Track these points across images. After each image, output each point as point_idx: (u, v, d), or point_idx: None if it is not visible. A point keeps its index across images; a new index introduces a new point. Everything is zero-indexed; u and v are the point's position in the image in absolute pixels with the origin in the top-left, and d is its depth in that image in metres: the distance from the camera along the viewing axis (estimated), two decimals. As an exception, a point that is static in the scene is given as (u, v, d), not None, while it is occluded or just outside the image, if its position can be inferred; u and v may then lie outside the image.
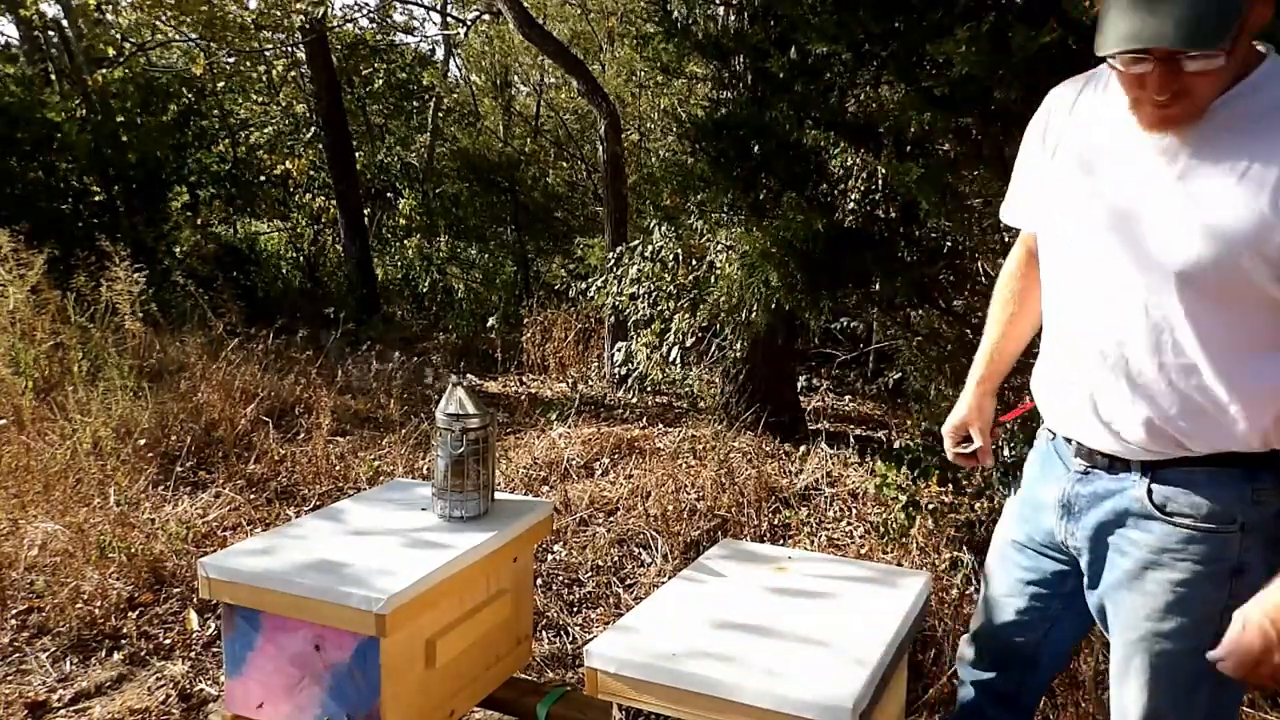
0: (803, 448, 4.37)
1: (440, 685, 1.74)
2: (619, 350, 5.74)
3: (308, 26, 8.29)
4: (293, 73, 11.29)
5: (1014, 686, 1.58)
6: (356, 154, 10.21)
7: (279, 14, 8.32)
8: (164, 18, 8.83)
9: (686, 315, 5.06)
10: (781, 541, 3.40)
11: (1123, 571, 1.33)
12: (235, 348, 5.06)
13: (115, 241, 5.01)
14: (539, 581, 3.09)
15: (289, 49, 10.10)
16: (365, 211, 10.30)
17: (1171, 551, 1.28)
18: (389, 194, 11.48)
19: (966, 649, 1.64)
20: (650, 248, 5.38)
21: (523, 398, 5.85)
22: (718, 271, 4.62)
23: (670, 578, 2.24)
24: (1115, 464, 1.33)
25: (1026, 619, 1.52)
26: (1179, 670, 1.29)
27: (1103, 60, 1.20)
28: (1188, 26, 1.07)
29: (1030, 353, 1.60)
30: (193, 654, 2.65)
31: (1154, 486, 1.29)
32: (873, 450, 4.23)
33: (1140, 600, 1.31)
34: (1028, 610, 1.51)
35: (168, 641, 2.70)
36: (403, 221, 10.99)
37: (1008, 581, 1.54)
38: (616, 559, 3.27)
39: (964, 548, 2.94)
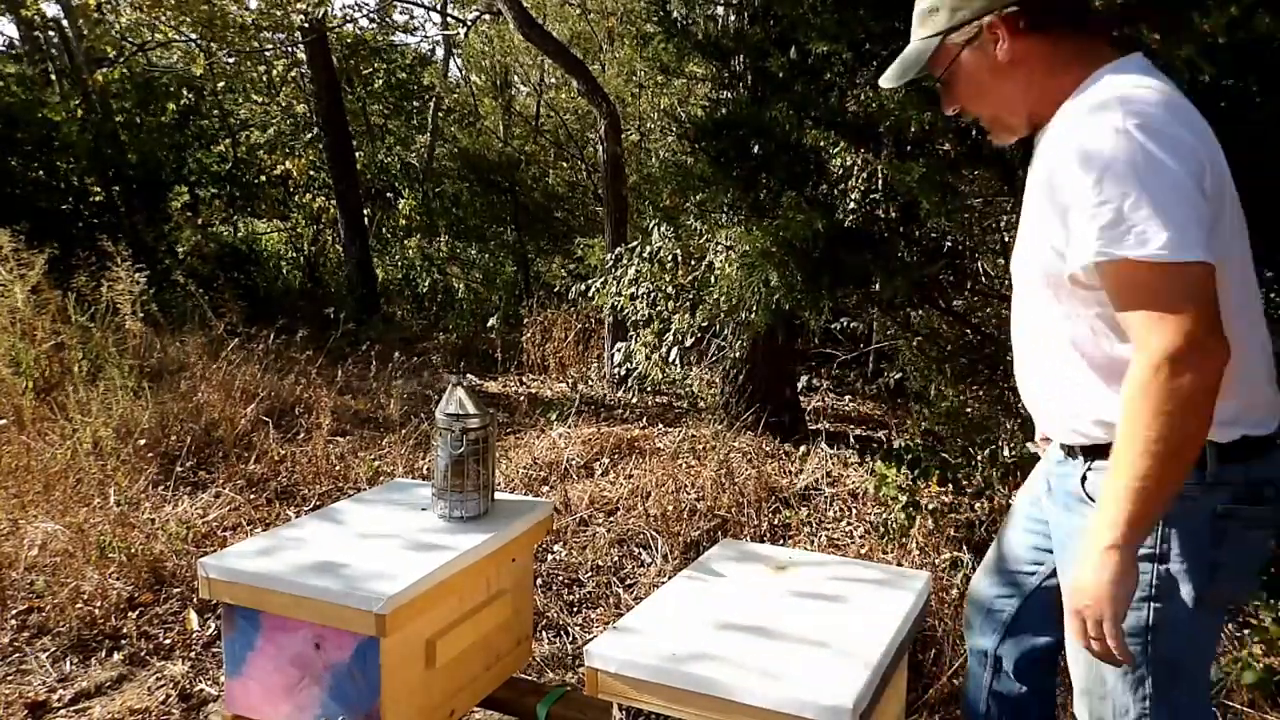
0: (803, 448, 4.37)
1: (440, 685, 1.74)
2: (619, 350, 5.74)
3: (307, 26, 8.29)
4: (293, 73, 11.29)
5: (995, 640, 1.63)
6: (356, 154, 10.21)
7: (279, 14, 8.32)
8: (164, 18, 8.83)
9: (686, 315, 5.06)
10: (781, 541, 3.40)
11: (1062, 552, 1.41)
12: (235, 348, 5.06)
13: (116, 241, 5.02)
14: (539, 581, 3.09)
15: (289, 49, 10.10)
16: (365, 211, 10.30)
17: None
18: (389, 194, 11.48)
19: (967, 609, 1.69)
20: (649, 248, 5.38)
21: (523, 398, 5.85)
22: (717, 272, 4.62)
23: (670, 578, 2.24)
24: (1066, 450, 1.39)
25: (1017, 570, 1.60)
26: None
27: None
28: (887, 74, 1.41)
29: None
30: (193, 654, 2.65)
31: (1088, 474, 1.34)
32: (873, 450, 4.23)
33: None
34: (1024, 561, 1.59)
35: (168, 641, 2.70)
36: (403, 221, 10.99)
37: (1012, 535, 1.63)
38: (616, 559, 3.27)
39: (964, 548, 2.94)
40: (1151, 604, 1.28)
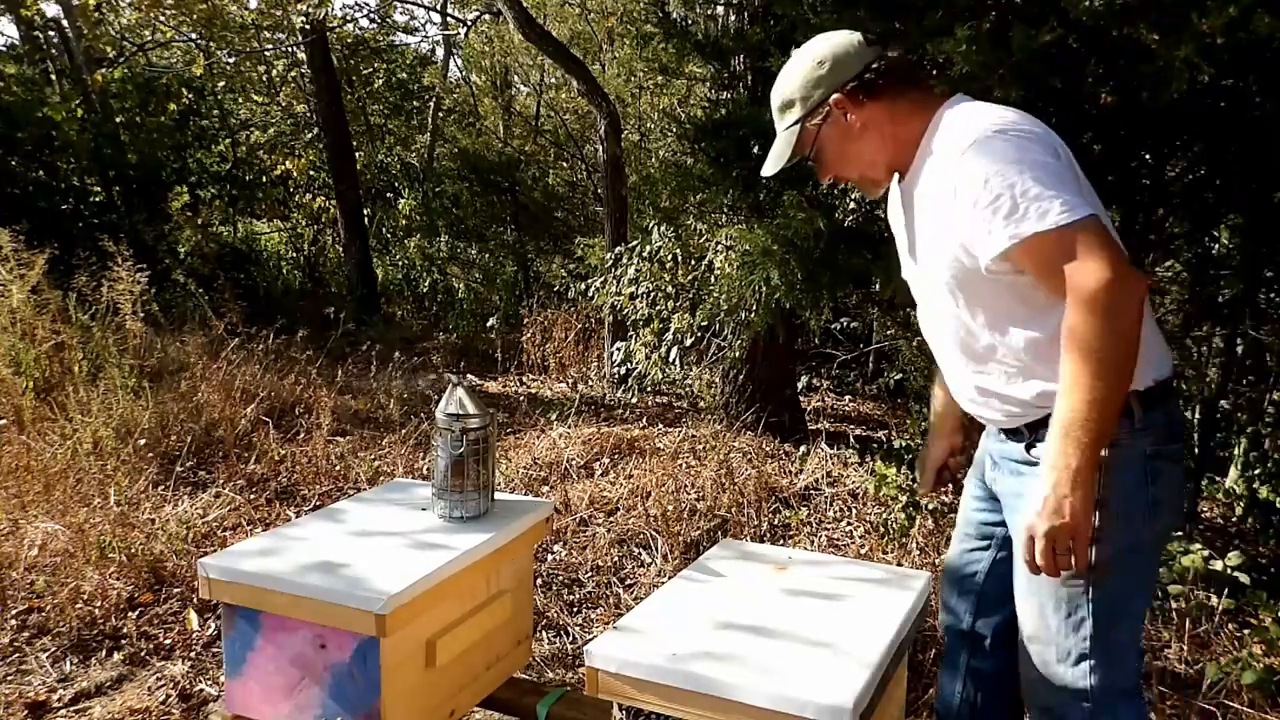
0: (803, 448, 4.37)
1: (440, 685, 1.74)
2: (619, 350, 5.74)
3: (308, 27, 8.29)
4: (293, 73, 11.29)
5: (970, 618, 1.72)
6: (356, 154, 10.21)
7: (279, 14, 8.32)
8: (164, 18, 8.83)
9: (685, 315, 5.06)
10: (781, 541, 3.40)
11: (1012, 514, 1.56)
12: (235, 348, 5.06)
13: (118, 242, 5.02)
14: (539, 581, 3.09)
15: (289, 49, 10.10)
16: (365, 211, 10.29)
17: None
18: (389, 194, 11.48)
19: (941, 595, 1.79)
20: (649, 248, 5.38)
21: (523, 398, 5.85)
22: (717, 271, 4.62)
23: (670, 578, 2.24)
24: (1011, 432, 1.56)
25: (974, 547, 1.72)
26: (1060, 594, 1.46)
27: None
28: (771, 161, 1.65)
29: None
30: (193, 654, 2.65)
31: (1035, 443, 1.49)
32: (873, 450, 4.23)
33: None
34: (976, 538, 1.71)
35: (168, 641, 2.70)
36: (403, 221, 10.98)
37: (964, 515, 1.75)
38: (616, 559, 3.27)
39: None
40: (1094, 546, 1.39)
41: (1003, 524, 1.63)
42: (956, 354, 1.56)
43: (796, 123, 1.59)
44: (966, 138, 1.40)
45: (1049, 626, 1.48)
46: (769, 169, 1.64)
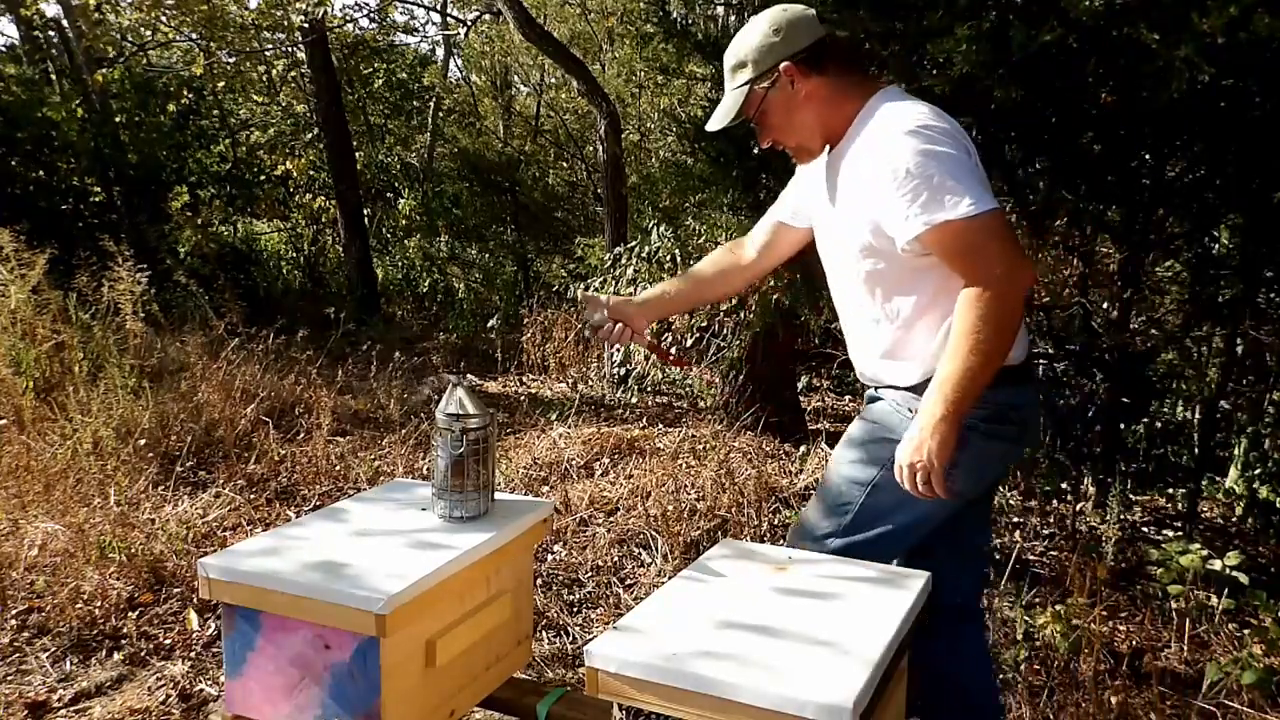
0: (803, 448, 4.37)
1: (440, 685, 1.74)
2: (618, 350, 5.74)
3: (307, 27, 8.28)
4: (293, 73, 11.29)
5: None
6: (356, 154, 10.20)
7: (279, 14, 8.31)
8: (164, 17, 8.82)
9: (685, 315, 5.05)
10: (781, 541, 3.39)
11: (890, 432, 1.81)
12: (235, 348, 5.06)
13: (119, 242, 5.02)
14: (539, 581, 3.09)
15: (289, 49, 10.10)
16: (365, 211, 10.29)
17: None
18: (389, 194, 11.48)
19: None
20: (649, 248, 5.38)
21: (523, 398, 5.85)
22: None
23: (670, 578, 2.24)
24: (903, 388, 1.79)
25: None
26: (841, 486, 1.81)
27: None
28: (711, 119, 1.77)
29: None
30: (193, 654, 2.65)
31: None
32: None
33: None
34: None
35: (168, 641, 2.70)
36: (403, 221, 10.98)
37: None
38: (616, 559, 3.27)
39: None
40: (880, 469, 1.73)
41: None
42: (858, 316, 1.79)
43: (746, 84, 1.70)
44: (894, 129, 1.56)
45: (823, 499, 1.82)
46: (714, 124, 1.76)
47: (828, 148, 1.75)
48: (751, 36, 1.71)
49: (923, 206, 1.52)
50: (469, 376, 1.88)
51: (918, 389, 1.70)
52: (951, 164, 1.51)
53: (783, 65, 1.67)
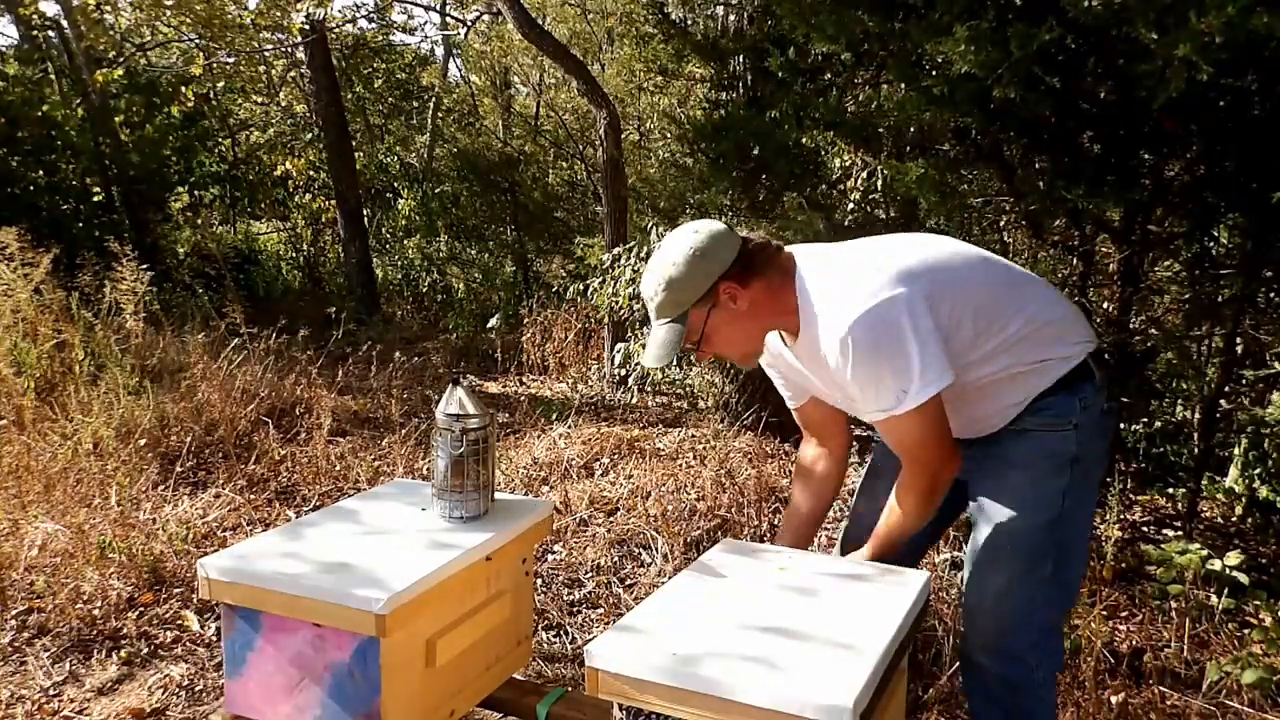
0: (803, 447, 4.36)
1: (440, 685, 1.74)
2: (619, 351, 5.74)
3: (307, 27, 8.28)
4: (293, 73, 11.28)
5: None
6: (356, 154, 10.20)
7: (279, 14, 8.31)
8: (164, 18, 8.82)
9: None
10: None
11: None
12: (236, 348, 5.06)
13: (122, 242, 5.02)
14: (539, 581, 3.09)
15: (289, 49, 10.09)
16: (365, 211, 10.29)
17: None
18: (389, 194, 11.48)
19: None
20: (647, 249, 5.38)
21: (523, 398, 5.85)
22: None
23: (670, 578, 2.24)
24: None
25: None
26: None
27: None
28: (649, 356, 1.71)
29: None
30: (193, 654, 2.65)
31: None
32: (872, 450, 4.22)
33: None
34: None
35: (168, 641, 2.70)
36: (402, 221, 10.98)
37: None
38: (616, 559, 3.27)
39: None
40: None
41: None
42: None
43: (684, 311, 1.66)
44: (837, 328, 1.58)
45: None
46: (653, 361, 1.69)
47: (782, 337, 1.78)
48: (672, 266, 1.65)
49: (875, 400, 1.60)
50: (469, 376, 1.88)
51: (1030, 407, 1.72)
52: (894, 355, 1.55)
53: (721, 285, 1.64)
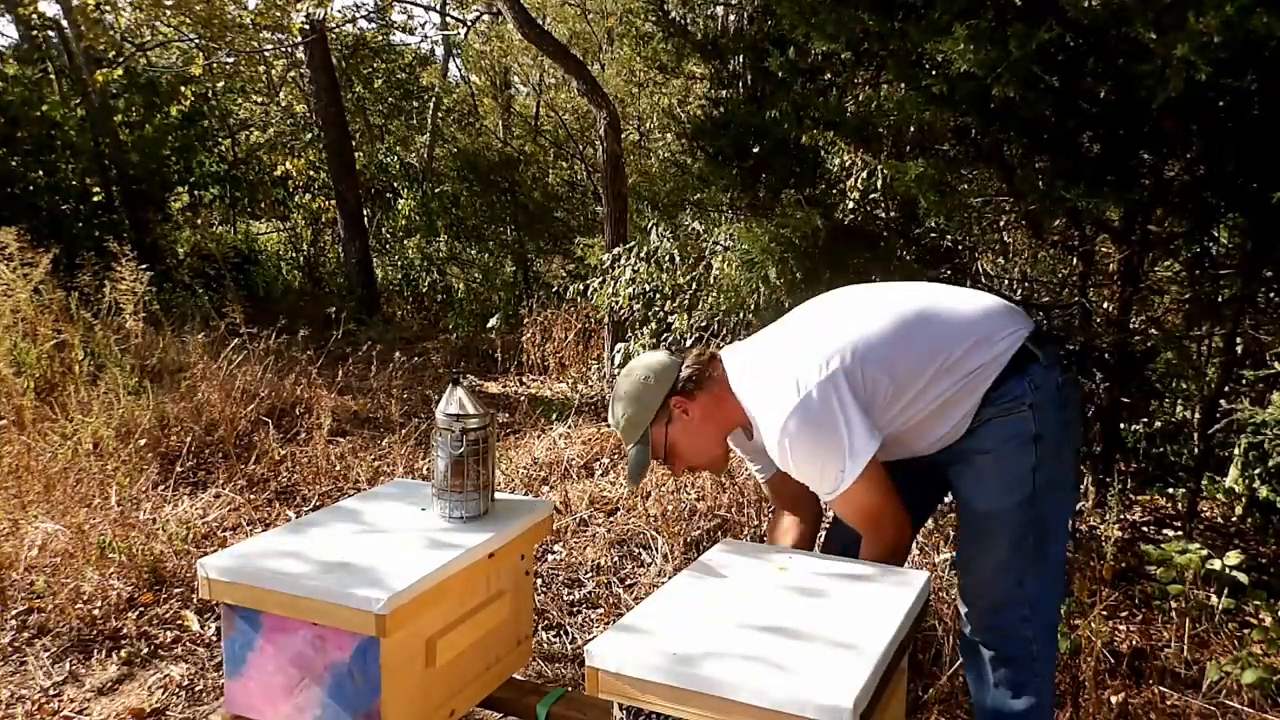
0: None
1: (440, 685, 1.74)
2: (618, 351, 5.73)
3: (307, 27, 8.27)
4: (292, 73, 11.28)
5: None
6: (356, 154, 10.19)
7: (279, 14, 8.30)
8: (164, 18, 8.81)
9: (684, 315, 5.05)
10: (781, 541, 3.39)
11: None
12: (235, 348, 5.06)
13: (121, 242, 5.02)
14: (539, 581, 3.09)
15: (288, 49, 10.09)
16: (365, 211, 10.28)
17: None
18: (389, 194, 11.47)
19: None
20: (647, 248, 5.38)
21: (523, 398, 5.85)
22: (715, 272, 4.62)
23: (670, 578, 2.24)
24: None
25: None
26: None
27: None
28: (629, 475, 1.96)
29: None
30: (193, 654, 2.65)
31: None
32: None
33: None
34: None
35: (168, 641, 2.70)
36: (402, 221, 10.97)
37: None
38: (616, 559, 3.27)
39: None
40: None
41: None
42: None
43: (644, 433, 1.86)
44: (772, 426, 1.72)
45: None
46: (633, 480, 1.93)
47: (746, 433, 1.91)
48: (631, 397, 1.86)
49: (819, 484, 1.75)
50: (469, 376, 1.88)
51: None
52: (824, 446, 1.69)
53: (672, 401, 1.84)
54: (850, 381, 1.71)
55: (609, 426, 1.89)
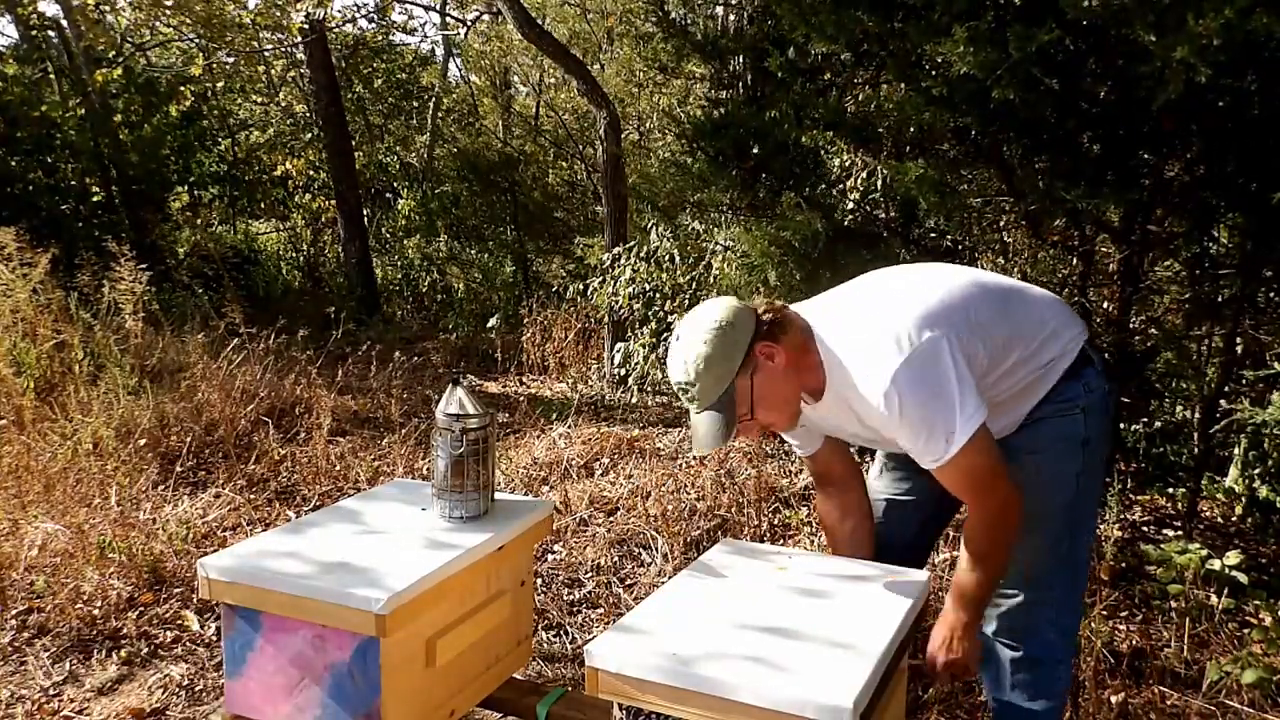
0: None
1: (440, 685, 1.74)
2: (618, 351, 5.73)
3: (307, 27, 8.27)
4: (292, 73, 11.28)
5: None
6: (356, 154, 10.19)
7: (278, 14, 8.30)
8: (163, 17, 8.81)
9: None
10: (781, 541, 3.40)
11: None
12: (235, 348, 5.06)
13: (120, 242, 5.02)
14: (539, 581, 3.09)
15: (289, 49, 10.09)
16: (365, 211, 10.28)
17: None
18: (389, 194, 11.47)
19: None
20: (647, 248, 5.38)
21: (523, 398, 5.85)
22: (715, 272, 4.62)
23: (670, 578, 2.24)
24: None
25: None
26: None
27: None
28: (703, 442, 1.67)
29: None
30: (193, 654, 2.65)
31: None
32: (871, 450, 4.22)
33: None
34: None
35: (168, 641, 2.70)
36: (402, 221, 10.97)
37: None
38: (616, 559, 3.27)
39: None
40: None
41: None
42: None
43: (729, 384, 1.63)
44: (878, 380, 1.59)
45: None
46: (709, 446, 1.66)
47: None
48: (704, 345, 1.63)
49: (926, 445, 1.59)
50: (469, 376, 1.88)
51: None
52: (936, 398, 1.57)
53: (758, 346, 1.64)
54: (961, 343, 1.60)
55: (677, 389, 1.68)
